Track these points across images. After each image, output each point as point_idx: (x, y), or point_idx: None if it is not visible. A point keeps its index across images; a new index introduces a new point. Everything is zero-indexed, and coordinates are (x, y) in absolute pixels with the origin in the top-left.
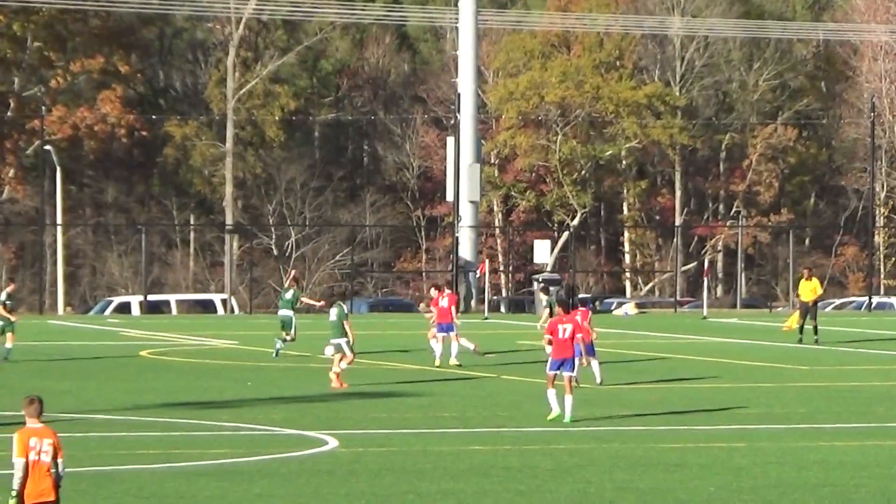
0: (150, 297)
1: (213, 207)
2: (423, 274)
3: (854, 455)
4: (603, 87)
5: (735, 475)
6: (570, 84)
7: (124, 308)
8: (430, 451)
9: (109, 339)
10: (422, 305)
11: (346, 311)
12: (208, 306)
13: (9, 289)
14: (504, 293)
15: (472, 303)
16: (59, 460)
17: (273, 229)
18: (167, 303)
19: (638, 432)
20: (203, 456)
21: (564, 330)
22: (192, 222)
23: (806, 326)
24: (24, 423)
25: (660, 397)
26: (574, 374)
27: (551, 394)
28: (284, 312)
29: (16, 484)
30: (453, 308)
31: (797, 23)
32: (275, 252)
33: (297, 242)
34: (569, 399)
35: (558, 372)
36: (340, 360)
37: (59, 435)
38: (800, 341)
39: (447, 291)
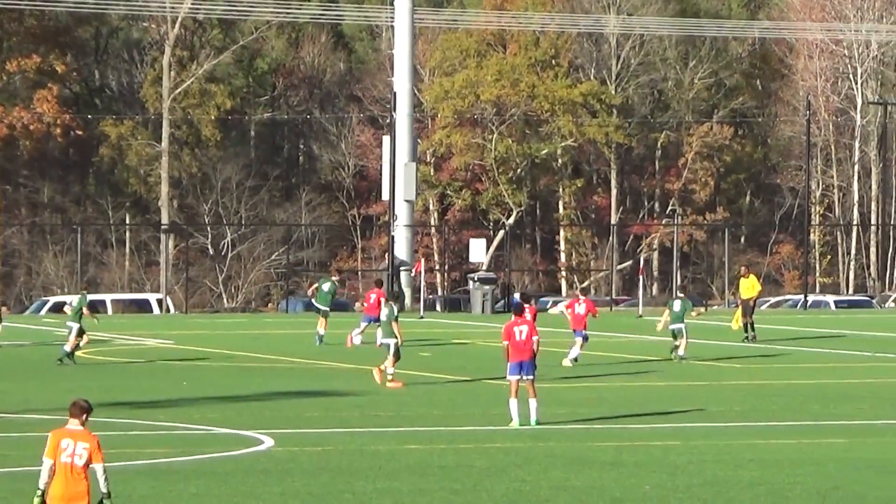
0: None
1: (149, 207)
2: (359, 273)
3: (789, 453)
4: (538, 85)
5: (670, 473)
6: (506, 83)
7: (60, 307)
8: (365, 450)
9: (45, 339)
10: (357, 305)
11: (395, 312)
12: (144, 306)
13: None
14: (440, 292)
15: (408, 302)
16: (95, 465)
17: (209, 229)
18: (103, 302)
19: (574, 431)
20: (139, 455)
21: (521, 332)
22: (127, 222)
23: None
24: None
25: (596, 396)
26: (533, 377)
27: (513, 403)
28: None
29: (41, 483)
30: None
31: (733, 21)
32: (210, 251)
33: (232, 242)
34: (533, 402)
35: (520, 376)
36: (394, 361)
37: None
38: (745, 339)
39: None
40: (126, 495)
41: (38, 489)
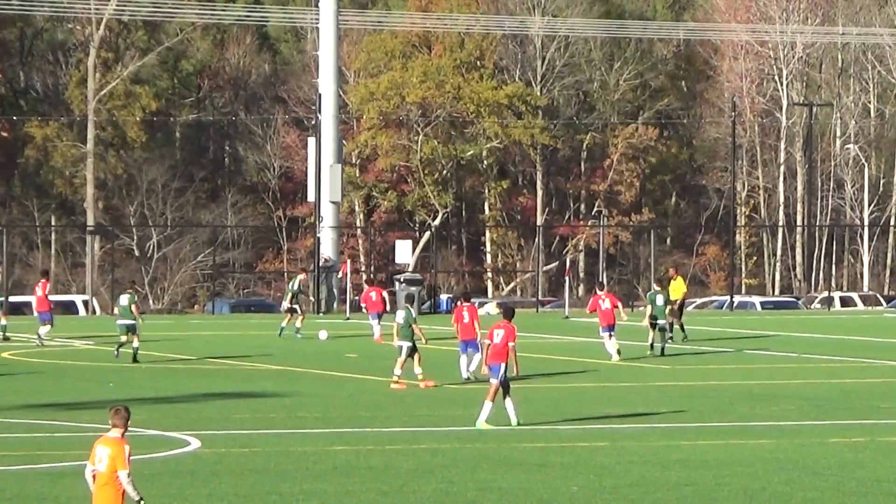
0: (12, 299)
1: (75, 208)
2: (285, 274)
3: (716, 454)
4: (464, 87)
5: (597, 474)
6: (431, 84)
7: None
8: (292, 452)
9: None
10: (284, 304)
11: (413, 315)
12: (70, 307)
13: None
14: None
15: (335, 304)
16: (119, 472)
17: (134, 230)
18: (28, 304)
19: (500, 432)
20: (65, 457)
21: (498, 335)
22: (53, 223)
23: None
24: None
25: (522, 397)
26: (498, 380)
27: (488, 405)
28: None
29: (91, 488)
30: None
31: (658, 22)
32: (136, 253)
33: (158, 243)
34: (488, 405)
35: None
36: (419, 361)
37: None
38: (683, 339)
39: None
40: (53, 497)
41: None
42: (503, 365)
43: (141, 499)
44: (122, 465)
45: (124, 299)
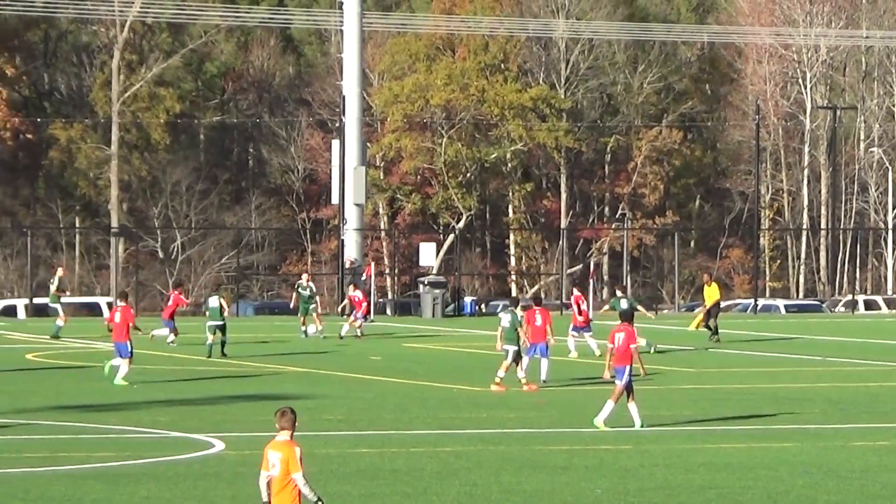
0: (36, 301)
1: (99, 210)
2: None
3: (740, 457)
4: (488, 89)
5: (621, 477)
6: (456, 87)
7: (10, 311)
8: (316, 454)
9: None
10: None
11: (519, 319)
12: (94, 309)
13: None
14: (390, 296)
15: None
16: (294, 475)
17: (159, 232)
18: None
19: (524, 434)
20: (89, 459)
21: (619, 338)
22: (77, 225)
23: (701, 329)
24: None
25: (546, 400)
26: (623, 382)
27: (609, 405)
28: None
29: (263, 497)
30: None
31: (682, 25)
32: (160, 255)
33: (182, 245)
34: (609, 404)
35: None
36: (514, 364)
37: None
38: (713, 339)
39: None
40: (77, 498)
41: (262, 501)
42: (628, 367)
43: (319, 499)
44: (295, 466)
45: (214, 301)
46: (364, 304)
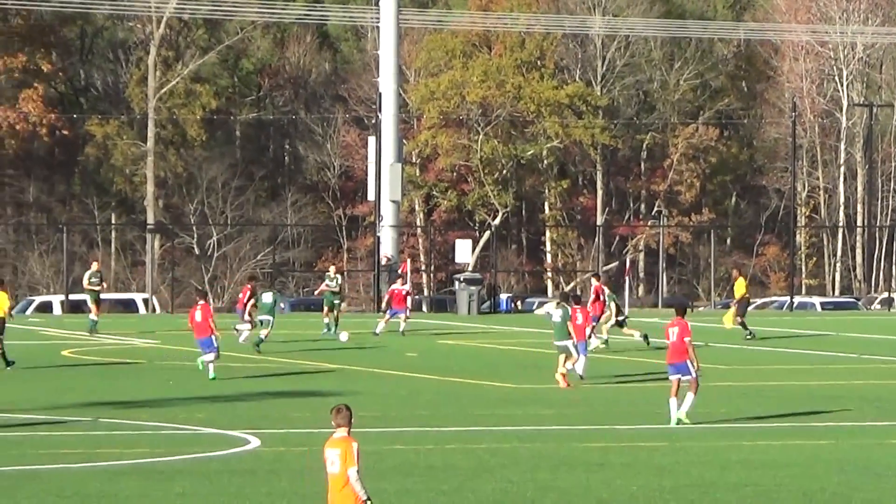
0: (72, 297)
1: (135, 207)
2: (345, 273)
3: (776, 454)
4: (524, 86)
5: (657, 474)
6: (492, 83)
7: (45, 307)
8: None
9: (31, 339)
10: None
11: (570, 313)
12: (129, 305)
13: None
14: (426, 292)
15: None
16: (349, 470)
17: (194, 228)
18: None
19: (560, 431)
20: (124, 455)
21: (673, 333)
22: (113, 221)
23: (736, 325)
24: None
25: (581, 397)
26: (691, 376)
27: (673, 402)
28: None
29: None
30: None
31: (718, 22)
32: (196, 251)
33: (218, 242)
34: (689, 396)
35: (679, 376)
36: (566, 360)
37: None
38: (748, 336)
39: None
40: (112, 495)
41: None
42: (687, 362)
43: (368, 499)
44: (351, 461)
45: (268, 297)
46: (409, 299)
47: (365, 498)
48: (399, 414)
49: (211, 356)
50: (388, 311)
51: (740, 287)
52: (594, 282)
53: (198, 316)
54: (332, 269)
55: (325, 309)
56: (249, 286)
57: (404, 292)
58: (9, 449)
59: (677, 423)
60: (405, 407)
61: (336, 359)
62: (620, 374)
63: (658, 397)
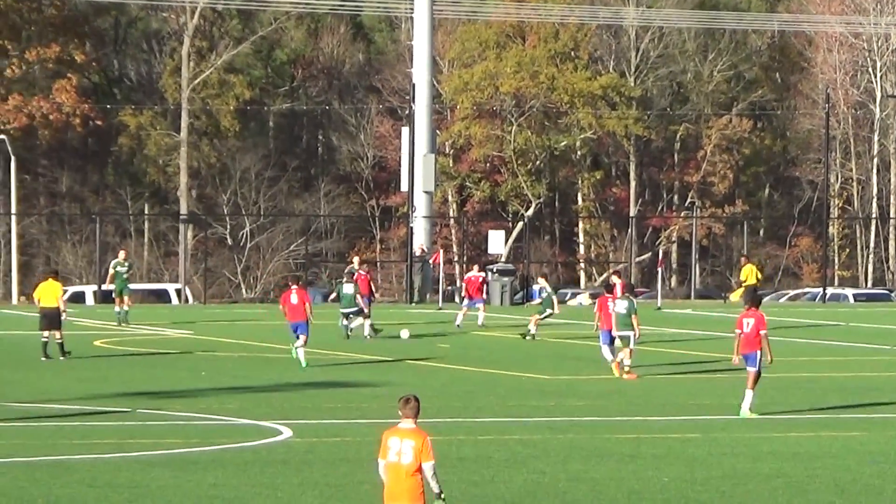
0: (104, 287)
1: (168, 197)
2: (378, 264)
3: (808, 446)
4: (558, 77)
5: (689, 466)
6: (525, 74)
7: (78, 297)
8: None
9: (64, 329)
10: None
11: (635, 306)
12: (162, 296)
13: None
14: (458, 283)
15: (427, 293)
16: (424, 464)
17: (227, 219)
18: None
19: (592, 423)
20: (157, 445)
21: (748, 324)
22: (146, 212)
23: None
24: None
25: (614, 388)
26: (756, 368)
27: (749, 394)
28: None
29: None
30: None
31: (752, 13)
32: (229, 242)
33: (251, 232)
34: (749, 394)
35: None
36: (627, 352)
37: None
38: None
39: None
40: (144, 485)
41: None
42: (758, 353)
43: (441, 492)
44: (428, 456)
45: (349, 287)
46: (485, 287)
47: (438, 491)
48: (432, 405)
49: (301, 341)
50: (465, 302)
51: (746, 272)
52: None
53: (293, 299)
54: (356, 260)
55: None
56: (365, 274)
57: (481, 279)
58: (42, 439)
59: (746, 415)
60: (438, 398)
61: (369, 350)
62: (654, 363)
63: (691, 388)
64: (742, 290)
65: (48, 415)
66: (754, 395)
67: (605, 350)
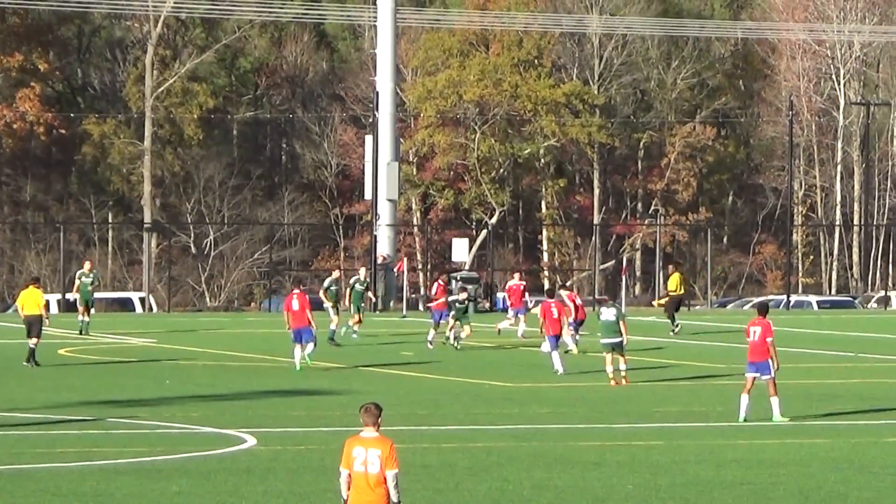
0: (69, 296)
1: (132, 206)
2: (342, 272)
3: (772, 453)
4: (521, 85)
5: (653, 473)
6: (489, 82)
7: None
8: None
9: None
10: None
11: (623, 312)
12: (126, 304)
13: None
14: (422, 291)
15: (391, 301)
16: (387, 472)
17: (191, 227)
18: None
19: (556, 430)
20: (121, 454)
21: (755, 332)
22: (110, 220)
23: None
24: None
25: (577, 396)
26: (771, 376)
27: (744, 398)
28: None
29: (343, 494)
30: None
31: (715, 21)
32: (193, 250)
33: (215, 240)
34: (774, 400)
35: (757, 375)
36: (623, 360)
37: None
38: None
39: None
40: (109, 494)
41: (342, 500)
42: (769, 360)
43: (399, 502)
44: (392, 464)
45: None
46: (524, 297)
47: (396, 501)
48: (396, 413)
49: (310, 347)
50: (512, 312)
51: (673, 281)
52: (563, 293)
53: (295, 304)
54: (363, 271)
55: (357, 315)
56: (443, 282)
57: (523, 287)
58: (6, 448)
59: (775, 421)
60: (402, 406)
61: (332, 357)
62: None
63: (655, 395)
64: (668, 299)
65: (11, 423)
66: (780, 400)
67: (556, 357)
